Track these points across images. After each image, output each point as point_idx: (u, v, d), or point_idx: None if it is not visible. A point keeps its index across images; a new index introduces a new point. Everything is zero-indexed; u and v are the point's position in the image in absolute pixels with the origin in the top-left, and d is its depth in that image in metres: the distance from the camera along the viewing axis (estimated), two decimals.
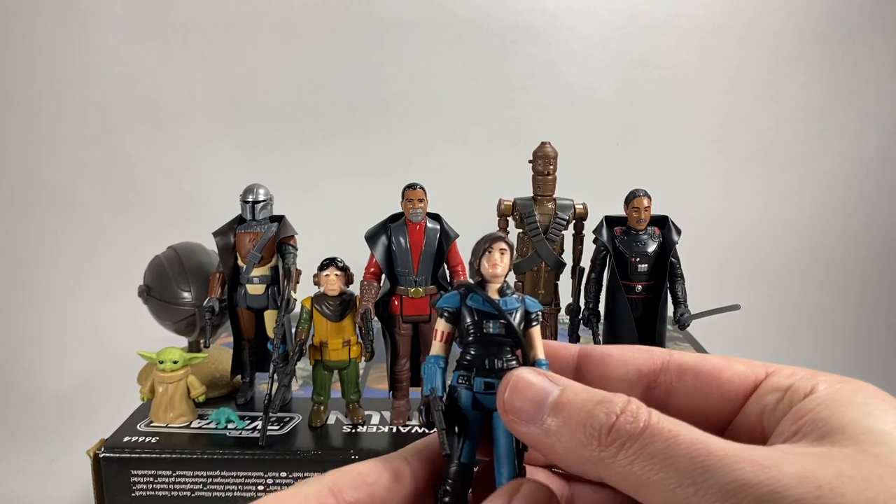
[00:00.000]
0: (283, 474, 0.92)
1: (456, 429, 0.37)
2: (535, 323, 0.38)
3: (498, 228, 1.04)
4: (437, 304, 0.39)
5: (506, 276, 0.39)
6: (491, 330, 0.37)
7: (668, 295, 1.04)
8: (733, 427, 0.36)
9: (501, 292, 0.38)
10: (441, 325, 0.39)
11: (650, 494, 0.28)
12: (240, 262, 1.06)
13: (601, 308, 1.09)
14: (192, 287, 1.14)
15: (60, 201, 1.88)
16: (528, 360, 0.38)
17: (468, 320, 0.38)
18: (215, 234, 1.06)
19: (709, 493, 0.26)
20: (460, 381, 0.37)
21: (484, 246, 0.38)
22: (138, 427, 0.99)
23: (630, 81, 1.92)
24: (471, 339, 0.37)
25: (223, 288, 1.07)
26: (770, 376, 0.35)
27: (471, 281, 0.39)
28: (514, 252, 0.40)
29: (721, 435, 0.29)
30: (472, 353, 0.37)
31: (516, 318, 0.37)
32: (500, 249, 0.38)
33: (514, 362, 0.37)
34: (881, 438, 0.27)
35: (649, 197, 1.02)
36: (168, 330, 1.19)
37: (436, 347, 0.39)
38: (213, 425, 1.00)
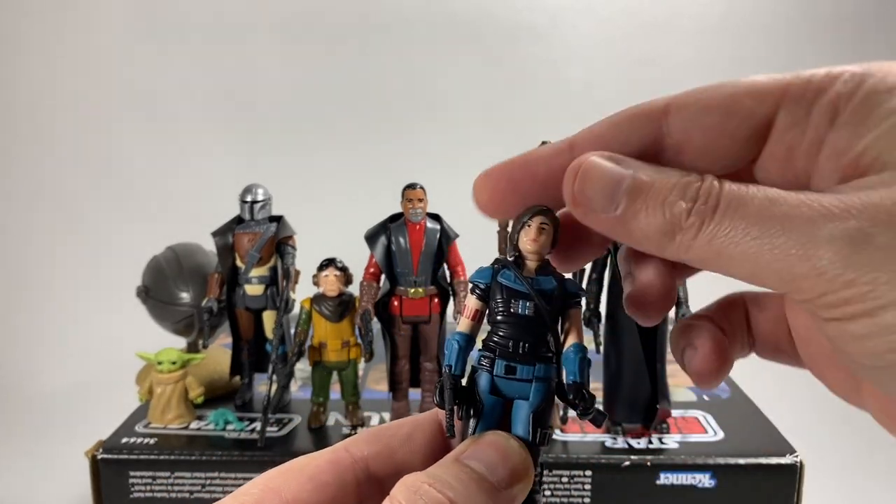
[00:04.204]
0: None
1: (469, 411, 0.34)
2: (575, 305, 0.35)
3: (498, 228, 1.03)
4: (470, 278, 0.36)
5: (547, 254, 0.35)
6: (520, 310, 0.34)
7: None
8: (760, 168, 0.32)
9: (539, 270, 0.35)
10: (471, 301, 0.36)
11: (737, 267, 0.27)
12: (238, 263, 1.06)
13: (602, 309, 1.08)
14: (191, 287, 1.14)
15: (58, 201, 1.87)
16: (560, 346, 0.35)
17: (497, 297, 0.35)
18: (214, 234, 1.06)
19: (790, 243, 0.25)
20: (482, 362, 0.35)
21: (523, 219, 0.35)
22: (136, 428, 0.98)
23: (631, 81, 1.91)
24: (499, 318, 0.35)
25: (222, 288, 1.06)
26: (786, 98, 0.31)
27: (506, 257, 0.36)
28: (557, 230, 0.36)
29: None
30: (500, 333, 0.35)
31: (551, 301, 0.35)
32: (541, 225, 0.35)
33: (543, 348, 0.35)
34: None
35: None
36: (166, 330, 1.18)
37: (462, 324, 0.36)
38: (211, 426, 0.99)
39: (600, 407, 1.00)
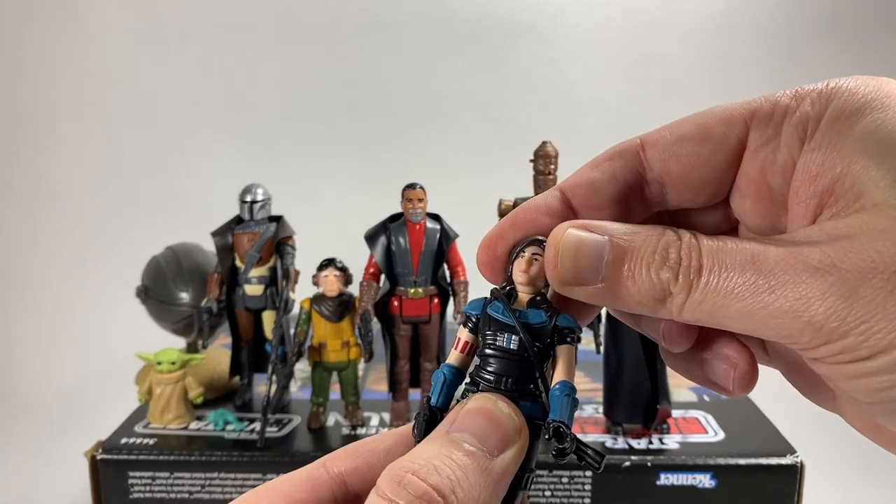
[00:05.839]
0: None
1: None
2: (568, 340, 0.33)
3: None
4: (464, 310, 0.36)
5: (541, 287, 0.34)
6: (505, 343, 0.33)
7: None
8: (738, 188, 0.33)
9: (531, 303, 0.34)
10: (462, 334, 0.35)
11: (732, 325, 0.28)
12: (238, 263, 1.06)
13: (602, 309, 1.08)
14: (190, 287, 1.13)
15: (58, 201, 1.87)
16: (547, 383, 0.33)
17: (486, 330, 0.34)
18: (213, 234, 1.05)
19: (781, 301, 0.26)
20: (466, 395, 0.33)
21: (518, 249, 0.34)
22: (136, 429, 0.98)
23: (632, 80, 1.91)
24: (486, 351, 0.34)
25: (221, 288, 1.06)
26: (754, 121, 0.32)
27: (500, 289, 0.35)
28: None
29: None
30: (486, 367, 0.33)
31: (539, 335, 0.33)
32: (534, 255, 0.34)
33: (530, 384, 0.33)
34: None
35: None
36: (166, 331, 1.18)
37: (452, 356, 0.35)
38: (211, 427, 0.99)
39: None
